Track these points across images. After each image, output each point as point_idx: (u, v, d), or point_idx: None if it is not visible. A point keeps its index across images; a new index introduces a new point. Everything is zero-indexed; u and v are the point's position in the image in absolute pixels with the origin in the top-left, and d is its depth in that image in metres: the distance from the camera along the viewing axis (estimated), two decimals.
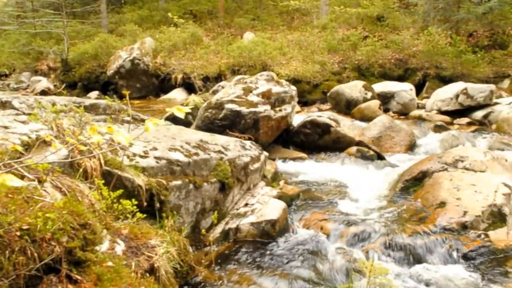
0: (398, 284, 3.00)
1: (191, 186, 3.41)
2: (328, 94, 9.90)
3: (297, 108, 9.77)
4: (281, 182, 4.67)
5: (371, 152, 6.01)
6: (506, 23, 12.08)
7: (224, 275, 3.15)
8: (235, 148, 4.15)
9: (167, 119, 7.05)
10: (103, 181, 2.47)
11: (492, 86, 9.03)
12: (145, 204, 3.02)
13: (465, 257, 3.46)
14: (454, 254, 3.48)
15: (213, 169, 3.70)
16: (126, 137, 1.24)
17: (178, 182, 3.31)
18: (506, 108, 8.41)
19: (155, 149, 3.44)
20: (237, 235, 3.65)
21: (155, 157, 3.32)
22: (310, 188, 4.87)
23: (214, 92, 8.63)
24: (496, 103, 8.76)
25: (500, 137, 7.34)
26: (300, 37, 13.84)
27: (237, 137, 4.92)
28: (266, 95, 6.03)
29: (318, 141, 6.32)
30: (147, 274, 2.44)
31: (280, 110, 6.03)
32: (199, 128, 5.89)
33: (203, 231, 3.26)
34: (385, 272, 2.16)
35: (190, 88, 12.27)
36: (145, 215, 2.67)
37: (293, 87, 6.56)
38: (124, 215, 2.44)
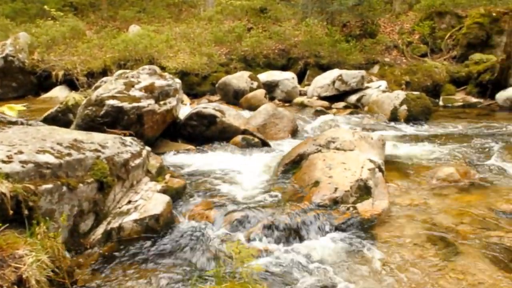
0: (274, 263, 3.21)
1: (64, 188, 3.25)
2: (217, 85, 10.05)
3: (187, 100, 9.79)
4: (167, 176, 4.65)
5: (256, 140, 6.26)
6: (374, 14, 13.30)
7: (106, 276, 3.09)
8: (114, 145, 4.03)
9: (45, 119, 6.63)
10: None
11: (363, 72, 9.94)
12: (11, 212, 2.83)
13: (337, 229, 3.78)
14: (327, 227, 3.78)
15: (89, 169, 3.57)
16: None
17: (49, 186, 3.14)
18: (375, 91, 9.34)
19: (20, 152, 3.21)
20: (121, 234, 3.58)
21: (21, 161, 3.10)
22: (197, 179, 4.93)
23: (97, 88, 8.23)
24: (367, 87, 9.67)
25: (369, 117, 8.14)
26: (187, 30, 13.73)
27: (117, 133, 4.78)
28: (149, 89, 5.93)
29: (205, 132, 6.40)
30: (15, 287, 2.32)
31: (165, 104, 5.98)
32: (79, 126, 5.60)
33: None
34: (251, 253, 2.30)
35: (73, 85, 11.52)
36: (7, 225, 2.50)
37: (178, 80, 6.53)
38: None
